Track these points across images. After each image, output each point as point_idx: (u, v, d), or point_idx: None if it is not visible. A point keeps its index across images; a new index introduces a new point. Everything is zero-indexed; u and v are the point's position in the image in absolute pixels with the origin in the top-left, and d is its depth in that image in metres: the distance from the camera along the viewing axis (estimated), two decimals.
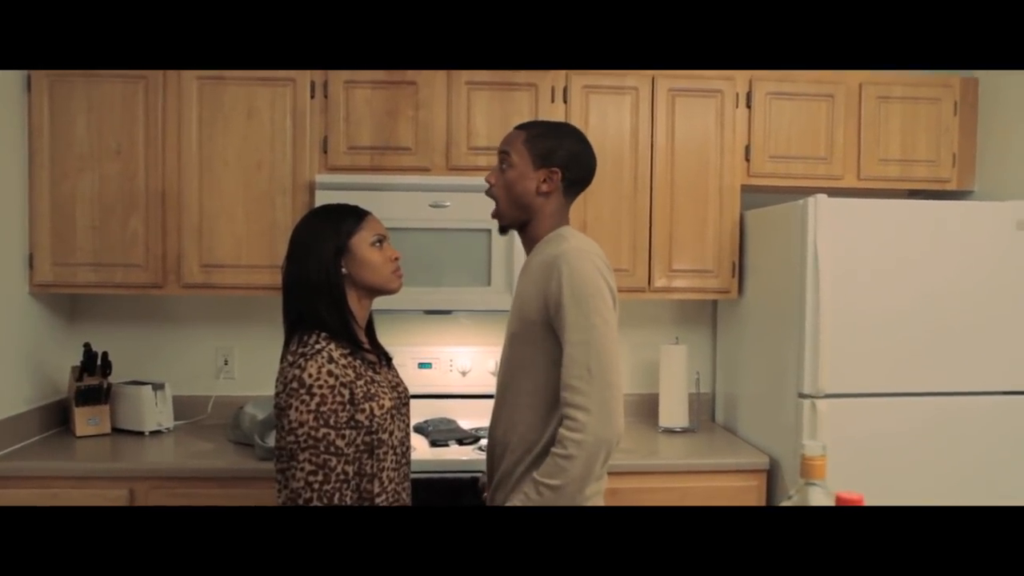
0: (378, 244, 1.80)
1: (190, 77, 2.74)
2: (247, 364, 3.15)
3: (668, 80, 2.88)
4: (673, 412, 2.97)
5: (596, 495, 1.79)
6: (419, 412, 3.02)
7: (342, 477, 1.65)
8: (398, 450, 1.79)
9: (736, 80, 2.91)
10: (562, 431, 1.65)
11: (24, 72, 2.70)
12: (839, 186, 2.98)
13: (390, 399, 1.77)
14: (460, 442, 2.69)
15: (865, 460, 2.50)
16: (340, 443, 1.65)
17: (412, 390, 3.02)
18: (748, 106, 2.92)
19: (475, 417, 3.03)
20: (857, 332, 2.51)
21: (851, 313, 2.50)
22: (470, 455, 2.57)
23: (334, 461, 1.64)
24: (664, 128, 2.89)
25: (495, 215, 1.89)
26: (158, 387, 2.87)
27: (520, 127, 1.88)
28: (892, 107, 2.96)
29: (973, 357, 2.56)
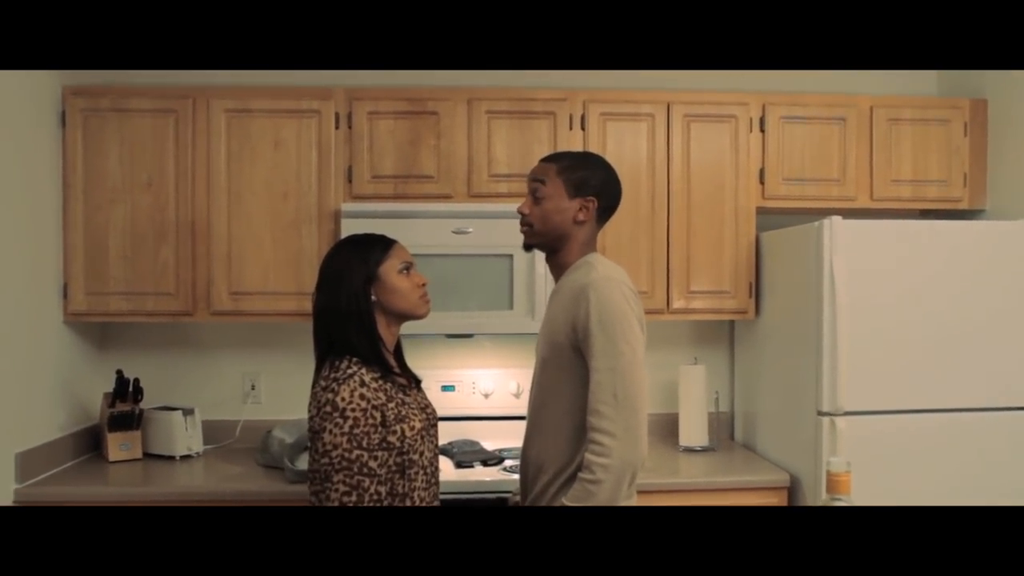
0: (406, 271, 1.86)
1: (218, 110, 2.83)
2: (273, 389, 3.21)
3: (683, 106, 2.94)
4: (693, 431, 3.01)
5: None
6: (443, 434, 3.03)
7: (375, 497, 1.71)
8: (428, 470, 1.84)
9: (750, 105, 2.97)
10: (588, 456, 1.71)
11: (59, 107, 2.80)
12: (853, 207, 3.02)
13: (420, 420, 1.82)
14: (485, 463, 2.74)
15: (884, 477, 2.53)
16: (373, 464, 1.71)
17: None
18: (762, 130, 2.97)
19: (498, 438, 3.08)
20: (874, 350, 2.55)
21: (868, 331, 2.54)
22: (495, 476, 2.62)
23: (367, 482, 1.70)
24: (680, 153, 2.95)
25: (525, 234, 1.94)
26: (188, 412, 2.94)
27: (549, 159, 1.94)
28: (903, 129, 3.02)
29: (988, 373, 2.59)
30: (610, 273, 1.81)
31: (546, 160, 1.94)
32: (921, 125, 3.03)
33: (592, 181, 1.89)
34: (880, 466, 2.53)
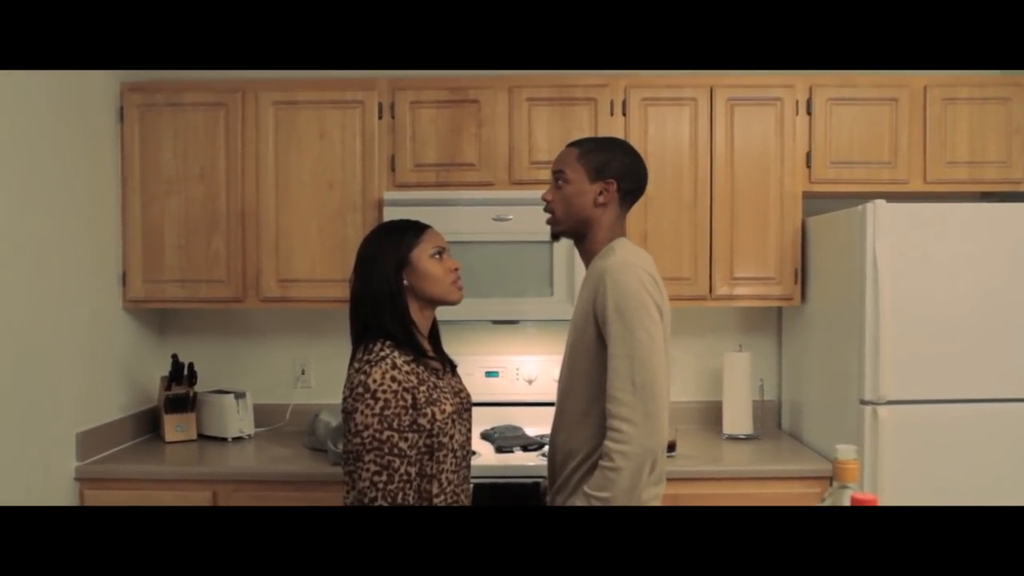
0: (438, 256, 1.88)
1: (266, 103, 2.91)
2: (323, 373, 3.30)
3: (726, 90, 2.91)
4: (737, 419, 2.98)
5: (654, 500, 1.84)
6: (487, 419, 3.10)
7: (405, 478, 1.74)
8: (458, 453, 1.86)
9: (796, 87, 2.91)
10: (607, 443, 1.71)
11: (117, 103, 2.91)
12: (905, 190, 2.94)
13: (451, 404, 1.84)
14: (524, 448, 2.76)
15: (927, 467, 2.47)
16: (403, 445, 1.74)
17: (480, 398, 3.10)
18: (808, 113, 2.91)
19: (541, 424, 3.10)
20: (920, 337, 2.48)
21: (913, 318, 2.48)
22: (534, 461, 2.64)
23: (397, 462, 1.73)
24: (723, 137, 2.91)
25: (550, 223, 1.96)
26: (240, 396, 3.03)
27: (571, 145, 1.95)
28: (959, 108, 2.92)
29: None
30: (628, 258, 1.80)
31: (569, 146, 1.95)
32: (979, 104, 2.93)
33: (613, 163, 1.89)
34: (923, 456, 2.47)
